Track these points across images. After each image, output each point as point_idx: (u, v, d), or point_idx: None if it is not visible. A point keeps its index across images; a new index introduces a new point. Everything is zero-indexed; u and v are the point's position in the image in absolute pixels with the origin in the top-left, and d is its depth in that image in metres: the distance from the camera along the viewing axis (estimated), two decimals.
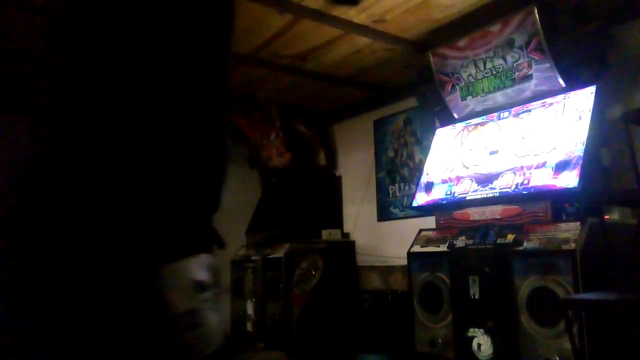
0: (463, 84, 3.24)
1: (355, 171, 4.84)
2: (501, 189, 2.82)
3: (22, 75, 3.95)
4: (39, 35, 3.21)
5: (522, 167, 2.80)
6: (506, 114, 3.11)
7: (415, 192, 3.40)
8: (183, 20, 0.83)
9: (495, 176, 2.91)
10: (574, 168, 2.53)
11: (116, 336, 0.71)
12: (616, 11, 2.95)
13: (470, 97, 3.24)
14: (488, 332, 2.66)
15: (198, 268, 0.76)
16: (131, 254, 0.73)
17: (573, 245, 2.38)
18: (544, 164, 2.70)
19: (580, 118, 2.69)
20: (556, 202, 2.64)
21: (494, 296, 2.65)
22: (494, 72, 3.06)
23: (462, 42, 3.13)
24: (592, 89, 2.74)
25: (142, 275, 0.72)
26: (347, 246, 4.51)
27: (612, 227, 2.53)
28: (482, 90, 3.16)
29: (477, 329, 2.71)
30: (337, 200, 4.96)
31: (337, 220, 4.85)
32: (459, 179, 3.13)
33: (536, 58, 2.84)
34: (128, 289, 0.72)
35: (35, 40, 3.29)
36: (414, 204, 3.34)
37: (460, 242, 2.88)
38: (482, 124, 3.25)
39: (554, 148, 2.71)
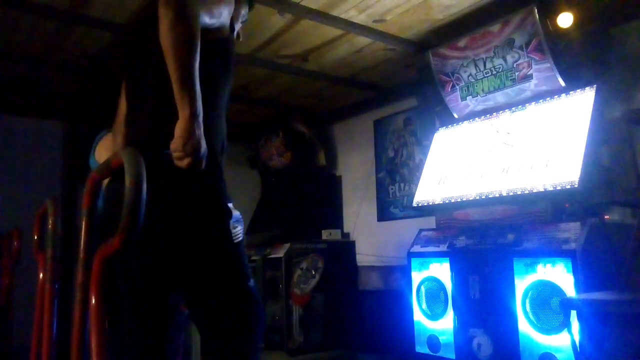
0: (463, 84, 3.24)
1: (355, 171, 4.84)
2: (501, 188, 2.82)
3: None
4: (41, 36, 3.22)
5: (522, 167, 2.80)
6: (506, 113, 3.11)
7: (415, 192, 3.40)
8: None
9: (496, 176, 2.91)
10: (574, 168, 2.53)
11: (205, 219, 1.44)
12: (616, 11, 2.95)
13: (471, 97, 3.24)
14: (488, 332, 2.67)
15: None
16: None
17: (573, 245, 2.38)
18: (544, 164, 2.70)
19: (580, 118, 2.69)
20: (556, 202, 2.64)
21: (494, 296, 2.65)
22: (494, 72, 3.06)
23: (462, 42, 3.13)
24: (592, 88, 2.74)
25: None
26: (347, 246, 4.50)
27: (612, 227, 2.52)
28: (482, 90, 3.16)
29: (477, 329, 2.71)
30: (337, 200, 4.96)
31: (337, 220, 4.85)
32: (459, 179, 3.13)
33: (536, 58, 2.84)
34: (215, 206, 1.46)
35: (37, 42, 3.29)
36: (414, 203, 3.34)
37: (461, 242, 2.88)
38: (482, 123, 3.25)
39: (554, 148, 2.71)
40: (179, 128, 1.28)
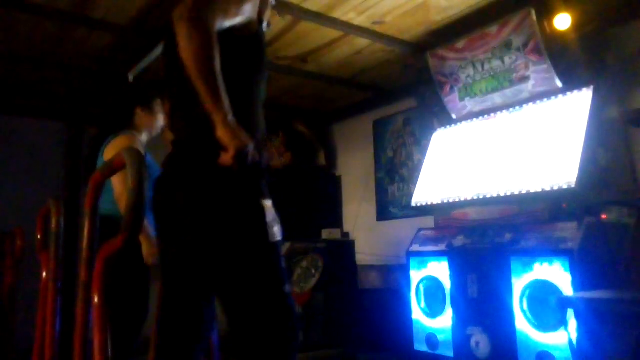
0: (461, 85, 3.26)
1: (355, 171, 4.86)
2: (499, 189, 2.84)
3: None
4: (41, 37, 3.24)
5: (519, 167, 2.82)
6: (504, 114, 3.13)
7: (414, 192, 3.42)
8: None
9: (493, 176, 2.93)
10: (571, 168, 2.55)
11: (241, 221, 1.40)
12: (613, 13, 2.97)
13: (469, 98, 3.26)
14: (486, 330, 2.69)
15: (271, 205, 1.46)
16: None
17: (570, 244, 2.40)
18: (541, 164, 2.72)
19: (577, 118, 2.71)
20: (554, 202, 2.66)
21: (492, 295, 2.67)
22: (492, 73, 3.08)
23: (460, 44, 3.15)
24: (589, 89, 2.75)
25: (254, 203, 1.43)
26: (347, 245, 4.51)
27: (610, 227, 2.55)
28: (480, 91, 3.18)
29: (475, 327, 2.73)
30: (337, 200, 4.97)
31: (337, 220, 4.87)
32: (457, 179, 3.15)
33: (534, 59, 2.86)
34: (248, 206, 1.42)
35: (37, 42, 3.32)
36: (413, 203, 3.36)
37: (459, 241, 2.90)
38: (480, 124, 3.27)
39: (552, 148, 2.73)
40: (223, 137, 1.30)
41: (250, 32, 1.50)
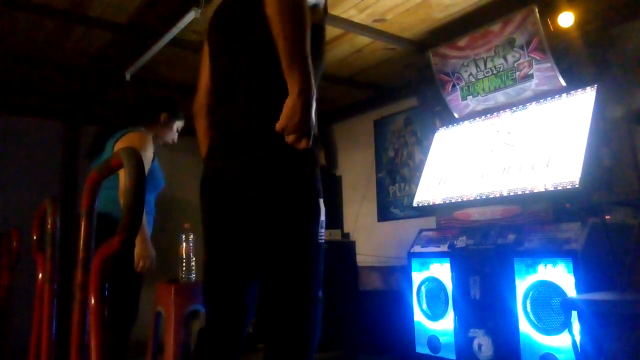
0: (463, 83, 3.23)
1: (355, 171, 4.83)
2: (502, 188, 2.81)
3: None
4: (41, 36, 3.21)
5: (522, 167, 2.79)
6: (507, 113, 3.11)
7: (416, 192, 3.39)
8: None
9: (496, 176, 2.91)
10: (575, 168, 2.52)
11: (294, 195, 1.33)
12: (617, 11, 2.95)
13: (471, 96, 3.23)
14: (489, 332, 2.66)
15: None
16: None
17: (574, 245, 2.38)
18: (544, 164, 2.69)
19: (581, 118, 2.68)
20: (557, 202, 2.63)
21: (495, 296, 2.65)
22: (495, 72, 3.05)
23: (462, 42, 3.12)
24: (593, 88, 2.73)
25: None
26: (347, 246, 4.49)
27: (613, 228, 2.52)
28: (483, 90, 3.15)
29: (477, 330, 2.71)
30: (337, 200, 4.95)
31: (337, 221, 4.84)
32: (459, 179, 3.13)
33: (537, 58, 2.84)
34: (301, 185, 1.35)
35: (36, 42, 3.29)
36: (415, 204, 3.33)
37: (461, 242, 2.88)
38: (482, 123, 3.24)
39: (555, 148, 2.70)
40: (287, 105, 1.20)
41: (316, 21, 1.40)
